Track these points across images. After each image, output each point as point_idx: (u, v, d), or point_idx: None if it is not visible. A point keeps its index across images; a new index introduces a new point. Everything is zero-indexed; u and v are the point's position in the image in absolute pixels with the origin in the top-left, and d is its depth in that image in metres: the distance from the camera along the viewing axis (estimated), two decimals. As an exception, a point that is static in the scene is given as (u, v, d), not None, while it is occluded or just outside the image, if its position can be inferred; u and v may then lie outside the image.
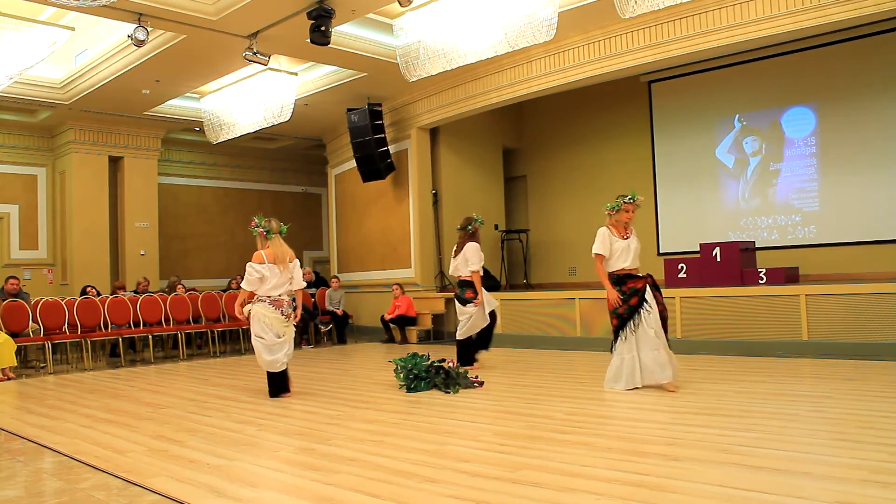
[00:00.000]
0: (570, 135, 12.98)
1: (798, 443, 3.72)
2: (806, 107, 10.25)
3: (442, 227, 12.09)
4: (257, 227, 5.91)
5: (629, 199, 5.61)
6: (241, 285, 5.93)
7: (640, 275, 5.61)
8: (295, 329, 6.06)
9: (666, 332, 5.47)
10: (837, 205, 9.93)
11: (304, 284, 6.21)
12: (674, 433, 4.08)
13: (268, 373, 6.00)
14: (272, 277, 5.80)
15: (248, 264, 5.84)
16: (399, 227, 12.18)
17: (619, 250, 5.59)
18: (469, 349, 7.31)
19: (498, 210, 13.12)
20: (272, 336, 5.82)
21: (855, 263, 9.59)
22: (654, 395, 5.31)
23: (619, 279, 5.59)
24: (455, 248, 7.33)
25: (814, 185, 10.20)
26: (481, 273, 7.17)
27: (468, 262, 7.08)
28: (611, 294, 5.58)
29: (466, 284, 7.15)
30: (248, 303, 5.95)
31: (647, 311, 5.43)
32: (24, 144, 12.61)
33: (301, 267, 6.28)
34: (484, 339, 7.40)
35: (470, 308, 7.12)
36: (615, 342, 5.61)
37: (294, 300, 6.12)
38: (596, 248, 5.63)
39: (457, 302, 7.27)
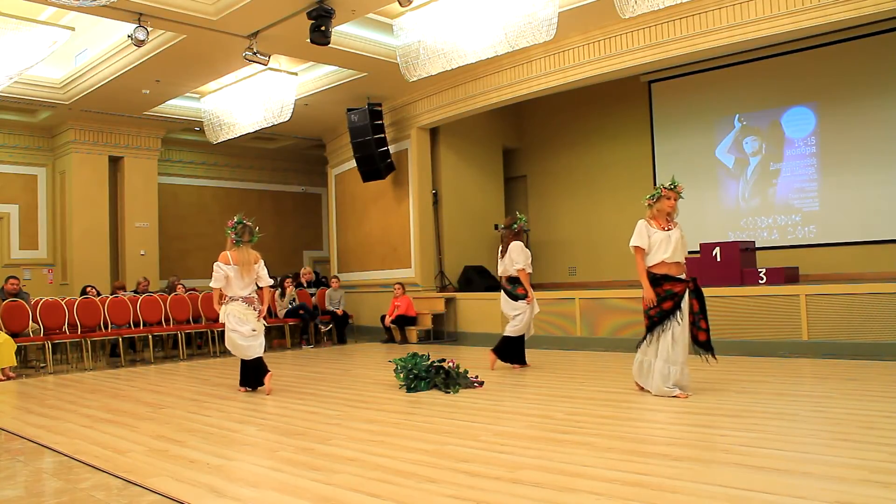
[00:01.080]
0: (570, 135, 12.98)
1: (798, 443, 3.72)
2: (806, 107, 10.25)
3: (442, 227, 12.09)
4: (232, 229, 6.30)
5: (669, 185, 5.27)
6: (210, 284, 6.34)
7: (683, 277, 5.24)
8: (265, 327, 6.50)
9: (700, 342, 5.18)
10: (837, 205, 9.93)
11: (271, 282, 6.59)
12: (674, 433, 4.08)
13: (242, 363, 6.37)
14: (236, 279, 6.21)
15: (215, 264, 6.23)
16: (399, 227, 12.18)
17: (658, 242, 5.19)
18: (519, 347, 7.27)
19: (498, 210, 13.11)
20: (247, 328, 6.21)
21: (855, 263, 9.59)
22: (651, 396, 5.31)
23: (656, 279, 5.20)
24: (500, 248, 7.34)
25: (814, 185, 10.20)
26: (529, 271, 7.15)
27: (514, 261, 7.10)
28: (646, 293, 5.20)
29: (518, 282, 7.16)
30: (222, 303, 6.36)
31: (677, 321, 5.11)
32: (24, 144, 12.61)
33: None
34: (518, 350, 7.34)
35: (522, 304, 7.12)
36: (643, 341, 5.32)
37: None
38: (633, 241, 5.26)
39: (508, 299, 7.21)
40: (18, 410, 5.93)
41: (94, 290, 10.67)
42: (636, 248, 5.25)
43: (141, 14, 7.92)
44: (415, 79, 8.94)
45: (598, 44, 9.13)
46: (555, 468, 3.39)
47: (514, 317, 7.15)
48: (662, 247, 5.17)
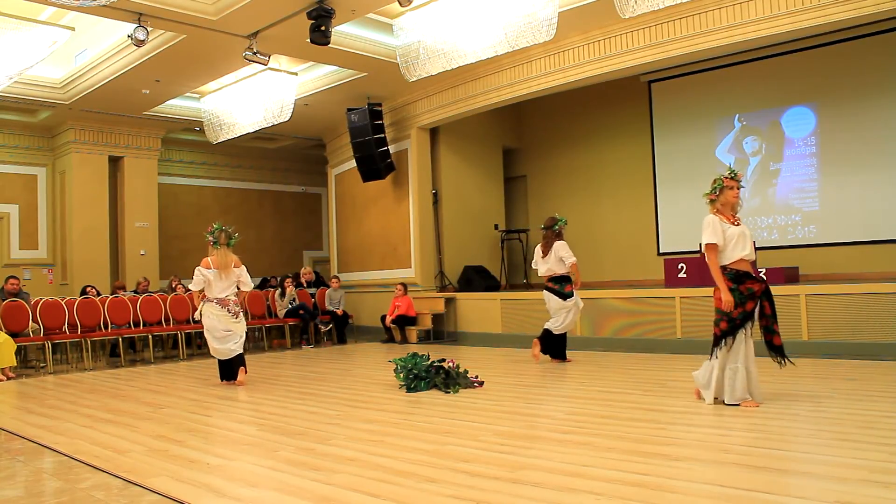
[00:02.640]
0: (570, 135, 12.97)
1: (798, 443, 3.72)
2: (806, 107, 10.25)
3: (442, 227, 12.08)
4: (210, 234, 6.84)
5: (729, 174, 4.86)
6: (190, 287, 6.88)
7: (758, 277, 4.84)
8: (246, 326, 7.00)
9: (775, 347, 4.82)
10: (837, 205, 9.93)
11: (252, 287, 7.14)
12: (674, 433, 4.08)
13: (218, 360, 6.91)
14: (216, 282, 6.70)
15: (196, 268, 6.73)
16: (399, 227, 12.18)
17: (733, 238, 4.75)
18: (561, 342, 7.58)
19: (498, 210, 13.12)
20: (221, 330, 6.68)
21: (855, 263, 9.58)
22: (652, 396, 5.31)
23: (738, 277, 4.76)
24: (541, 248, 7.60)
25: (814, 185, 10.20)
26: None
27: (563, 259, 7.40)
28: (726, 295, 4.71)
29: (564, 280, 7.46)
30: (201, 302, 6.83)
31: (757, 321, 4.76)
32: (25, 144, 12.60)
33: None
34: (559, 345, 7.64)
35: (570, 302, 7.44)
36: (716, 348, 4.81)
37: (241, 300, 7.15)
38: (707, 238, 4.77)
39: (554, 297, 7.49)
40: (18, 410, 5.93)
41: (94, 290, 10.67)
42: (711, 245, 4.76)
43: (141, 14, 7.91)
44: (415, 79, 8.95)
45: (598, 44, 9.13)
46: (555, 468, 3.39)
47: (560, 314, 7.45)
48: (740, 243, 4.76)
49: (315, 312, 11.57)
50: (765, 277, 4.85)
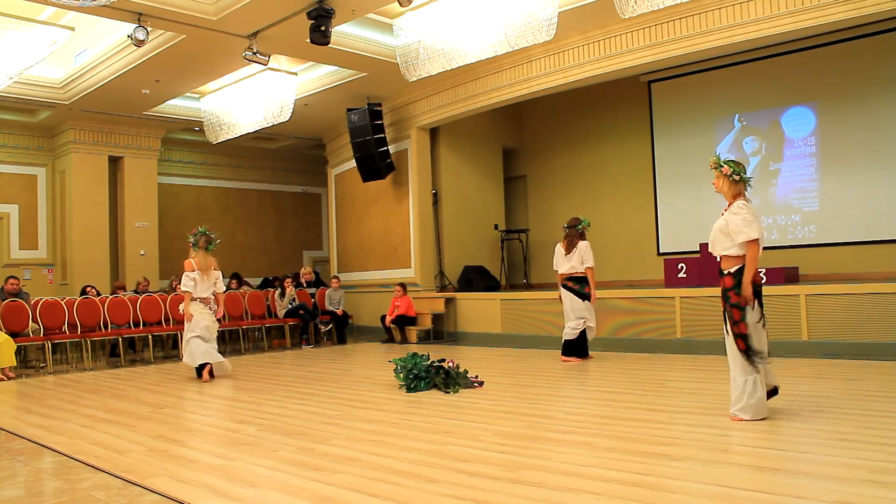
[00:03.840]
0: (570, 135, 12.97)
1: (798, 443, 3.72)
2: (806, 107, 10.25)
3: (442, 227, 12.08)
4: (193, 236, 7.40)
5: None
6: (182, 289, 7.49)
7: (724, 270, 4.34)
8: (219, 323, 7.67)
9: (748, 354, 4.19)
10: (837, 205, 9.93)
11: (224, 288, 7.83)
12: (674, 433, 4.08)
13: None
14: (199, 282, 7.36)
15: (184, 273, 7.36)
16: (399, 227, 12.18)
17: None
18: (581, 342, 7.72)
19: (498, 210, 13.11)
20: (203, 325, 7.25)
21: (855, 263, 9.58)
22: (651, 395, 5.31)
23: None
24: (564, 246, 7.74)
25: (814, 185, 10.20)
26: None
27: (584, 260, 7.58)
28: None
29: (585, 280, 7.63)
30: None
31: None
32: (25, 144, 12.60)
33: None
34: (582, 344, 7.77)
35: (587, 303, 7.60)
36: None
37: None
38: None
39: (576, 297, 7.61)
40: (18, 410, 5.93)
41: (93, 290, 10.67)
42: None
43: (141, 14, 7.91)
44: (415, 79, 8.94)
45: (598, 44, 9.12)
46: (555, 468, 3.39)
47: (580, 317, 7.57)
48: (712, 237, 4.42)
49: (315, 312, 11.57)
50: (729, 271, 4.30)
